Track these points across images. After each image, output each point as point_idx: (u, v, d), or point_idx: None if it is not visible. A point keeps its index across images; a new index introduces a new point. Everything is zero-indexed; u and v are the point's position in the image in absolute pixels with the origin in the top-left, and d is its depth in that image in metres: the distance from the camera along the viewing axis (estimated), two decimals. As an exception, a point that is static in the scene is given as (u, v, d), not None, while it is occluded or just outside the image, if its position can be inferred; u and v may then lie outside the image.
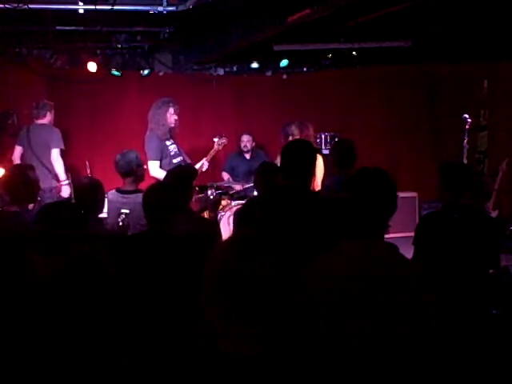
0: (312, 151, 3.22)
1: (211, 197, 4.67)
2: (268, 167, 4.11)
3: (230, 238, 1.43)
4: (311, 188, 3.47)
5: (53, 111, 6.22)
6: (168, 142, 5.57)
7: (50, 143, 5.98)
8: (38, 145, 5.99)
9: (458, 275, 3.17)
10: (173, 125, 5.58)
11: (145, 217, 3.06)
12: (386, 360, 1.81)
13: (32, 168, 3.98)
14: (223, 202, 6.03)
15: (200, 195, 5.42)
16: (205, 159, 6.00)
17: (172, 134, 5.63)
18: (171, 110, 5.54)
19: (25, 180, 3.70)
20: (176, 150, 5.62)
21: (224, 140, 6.30)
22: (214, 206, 4.24)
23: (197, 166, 5.76)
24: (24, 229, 2.72)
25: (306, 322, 1.85)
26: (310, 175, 3.14)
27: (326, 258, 2.00)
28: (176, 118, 5.58)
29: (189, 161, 5.77)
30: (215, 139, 6.27)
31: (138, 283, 2.73)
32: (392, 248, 1.96)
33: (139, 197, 3.92)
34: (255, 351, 1.30)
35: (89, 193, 3.63)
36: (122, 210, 3.86)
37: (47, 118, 6.19)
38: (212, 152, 6.14)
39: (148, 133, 5.59)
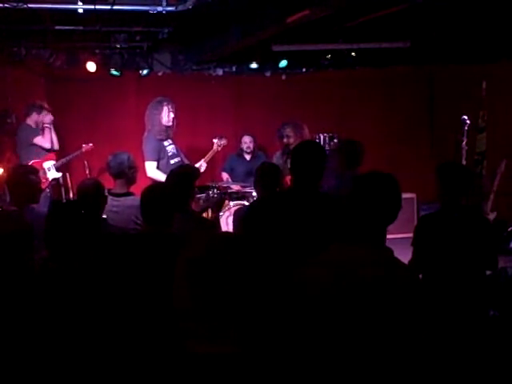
0: (323, 152, 3.24)
1: (214, 197, 4.68)
2: (269, 168, 4.11)
3: (206, 238, 1.39)
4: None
5: (42, 112, 6.24)
6: (166, 143, 5.59)
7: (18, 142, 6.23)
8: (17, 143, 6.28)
9: (456, 276, 3.16)
10: (170, 123, 5.60)
11: (142, 216, 3.04)
12: (370, 365, 1.79)
13: (34, 170, 3.97)
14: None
15: (201, 195, 5.43)
16: (203, 160, 6.01)
17: (170, 133, 5.64)
18: (165, 109, 5.55)
19: (26, 183, 3.70)
20: (174, 150, 5.64)
21: (224, 141, 6.33)
22: (217, 205, 4.23)
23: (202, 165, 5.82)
24: (24, 228, 2.71)
25: (291, 324, 1.84)
26: (320, 176, 3.14)
27: (317, 261, 1.96)
28: (173, 116, 5.59)
29: (187, 161, 5.80)
30: (215, 140, 6.31)
31: (135, 282, 2.73)
32: (386, 253, 1.92)
33: (128, 200, 3.92)
34: (227, 351, 1.28)
35: (93, 194, 3.61)
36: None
37: (31, 119, 6.24)
38: (211, 153, 6.17)
39: (146, 134, 5.62)
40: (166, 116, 5.56)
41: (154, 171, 5.42)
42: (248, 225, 3.18)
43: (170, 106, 5.58)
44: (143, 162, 5.44)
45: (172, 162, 5.54)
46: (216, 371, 1.26)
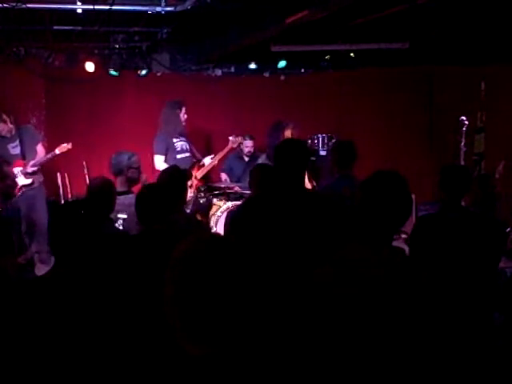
0: (307, 150, 3.27)
1: (201, 201, 4.68)
2: (263, 169, 4.12)
3: (193, 240, 1.37)
4: None
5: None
6: (175, 139, 6.14)
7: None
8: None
9: (453, 277, 3.15)
10: (184, 123, 6.27)
11: (137, 216, 3.04)
12: (383, 363, 1.79)
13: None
14: (221, 203, 6.03)
15: (191, 198, 5.49)
16: (215, 157, 6.51)
17: (183, 131, 6.26)
18: (183, 109, 6.20)
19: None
20: (183, 146, 6.19)
21: (239, 138, 6.78)
22: (206, 211, 4.25)
23: (207, 160, 6.41)
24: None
25: (308, 322, 1.84)
26: (304, 174, 3.14)
27: (333, 260, 1.95)
28: (185, 116, 6.26)
29: (199, 157, 6.43)
30: (230, 138, 6.73)
31: (135, 281, 2.73)
32: (399, 253, 1.92)
33: (127, 198, 3.92)
34: (206, 352, 1.27)
35: (104, 193, 3.59)
36: (119, 215, 3.82)
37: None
38: (225, 149, 6.62)
39: (158, 133, 6.15)
40: (183, 117, 6.21)
41: (161, 164, 5.90)
42: (236, 225, 3.17)
43: (185, 108, 6.23)
44: (145, 161, 5.47)
45: (178, 156, 6.08)
46: (205, 372, 1.25)
